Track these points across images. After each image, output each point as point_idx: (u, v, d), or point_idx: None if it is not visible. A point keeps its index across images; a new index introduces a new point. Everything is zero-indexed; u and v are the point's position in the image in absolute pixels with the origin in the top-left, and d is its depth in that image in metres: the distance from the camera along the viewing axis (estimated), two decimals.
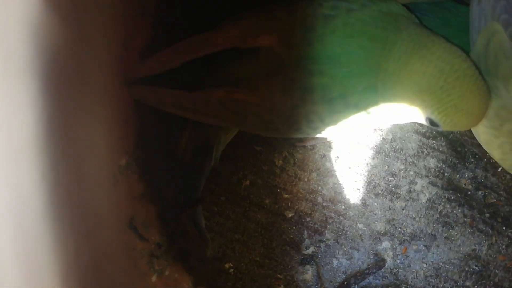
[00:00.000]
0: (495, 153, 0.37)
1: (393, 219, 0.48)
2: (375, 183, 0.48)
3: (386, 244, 0.48)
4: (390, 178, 0.48)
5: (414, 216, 0.48)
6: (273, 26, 0.37)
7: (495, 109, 0.34)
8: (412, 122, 0.48)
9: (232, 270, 0.48)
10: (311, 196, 0.48)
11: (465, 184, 0.48)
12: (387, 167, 0.48)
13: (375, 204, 0.48)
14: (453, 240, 0.48)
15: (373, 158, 0.49)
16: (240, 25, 0.38)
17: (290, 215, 0.48)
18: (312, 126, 0.37)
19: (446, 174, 0.48)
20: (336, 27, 0.35)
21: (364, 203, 0.48)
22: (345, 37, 0.35)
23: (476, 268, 0.48)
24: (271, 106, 0.37)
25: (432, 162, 0.48)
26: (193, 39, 0.39)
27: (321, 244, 0.48)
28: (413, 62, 0.33)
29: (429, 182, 0.48)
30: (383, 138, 0.49)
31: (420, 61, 0.33)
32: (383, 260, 0.48)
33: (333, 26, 0.35)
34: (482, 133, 0.37)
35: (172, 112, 0.40)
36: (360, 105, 0.36)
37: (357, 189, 0.49)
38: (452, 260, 0.48)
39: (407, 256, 0.48)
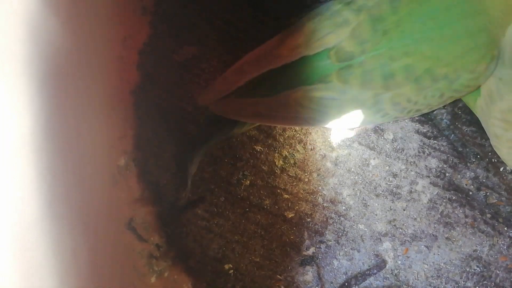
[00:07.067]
0: (502, 147, 0.37)
1: (394, 219, 0.48)
2: (376, 183, 0.48)
3: (387, 245, 0.48)
4: (391, 179, 0.48)
5: (415, 216, 0.48)
6: (338, 25, 0.37)
7: (510, 101, 0.34)
8: (413, 122, 0.48)
9: (232, 271, 0.48)
10: (312, 196, 0.48)
11: (466, 184, 0.48)
12: (388, 167, 0.48)
13: (376, 204, 0.48)
14: (454, 240, 0.48)
15: (374, 158, 0.48)
16: (301, 32, 0.38)
17: (290, 216, 0.48)
18: (399, 108, 0.37)
19: (447, 174, 0.48)
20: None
21: (365, 203, 0.48)
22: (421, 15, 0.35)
23: (478, 268, 0.48)
24: (351, 98, 0.37)
25: (433, 162, 0.48)
26: (254, 54, 0.39)
27: (321, 245, 0.48)
28: None
29: (430, 183, 0.48)
30: (384, 138, 0.48)
31: None
32: (384, 261, 0.48)
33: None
34: (492, 126, 0.36)
35: (251, 122, 0.41)
36: (450, 76, 0.35)
37: (358, 189, 0.48)
38: (453, 261, 0.48)
39: (408, 257, 0.48)
